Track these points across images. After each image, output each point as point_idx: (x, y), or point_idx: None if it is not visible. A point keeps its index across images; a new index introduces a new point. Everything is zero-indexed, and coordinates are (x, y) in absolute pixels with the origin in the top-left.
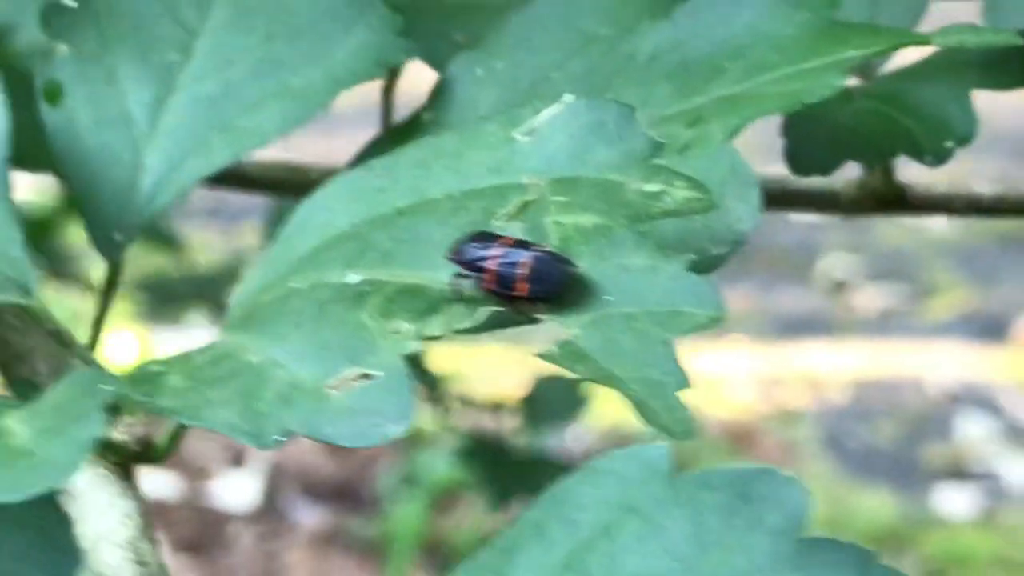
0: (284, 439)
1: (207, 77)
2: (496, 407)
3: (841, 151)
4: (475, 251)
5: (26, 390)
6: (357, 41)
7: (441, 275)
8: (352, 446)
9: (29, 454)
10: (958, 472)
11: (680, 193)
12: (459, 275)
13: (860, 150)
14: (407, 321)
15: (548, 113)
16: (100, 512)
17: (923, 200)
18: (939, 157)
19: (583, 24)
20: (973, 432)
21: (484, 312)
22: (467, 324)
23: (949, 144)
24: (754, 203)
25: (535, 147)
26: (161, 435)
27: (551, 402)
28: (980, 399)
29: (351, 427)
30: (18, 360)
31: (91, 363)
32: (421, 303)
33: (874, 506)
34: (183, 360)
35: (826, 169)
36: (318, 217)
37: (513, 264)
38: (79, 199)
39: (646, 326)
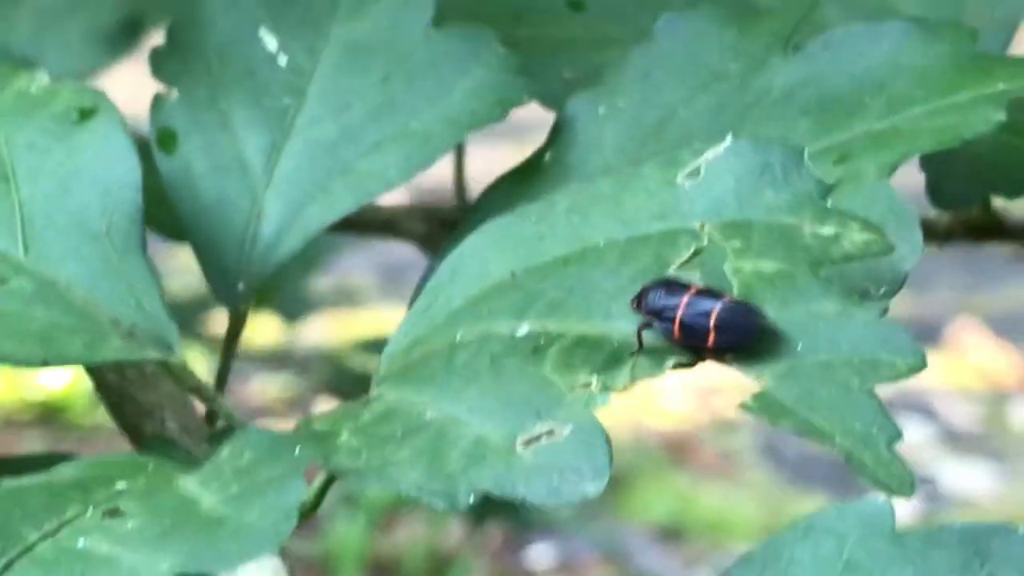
0: (475, 500)
1: (323, 121)
2: None
3: (982, 184)
4: (661, 299)
5: (159, 447)
6: (475, 81)
7: (617, 324)
8: (548, 505)
9: (224, 522)
10: None
11: (857, 236)
12: (645, 324)
13: (1000, 183)
14: (590, 373)
15: (710, 155)
16: (248, 570)
17: (1021, 229)
18: None
19: (709, 59)
20: (909, 438)
21: (670, 363)
22: (652, 375)
23: None
24: (916, 242)
25: (700, 190)
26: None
27: None
28: (916, 404)
29: (546, 485)
30: (146, 416)
31: (237, 422)
32: (602, 354)
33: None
34: (347, 417)
35: (968, 202)
36: (471, 267)
37: (701, 314)
38: (197, 248)
39: (845, 376)
